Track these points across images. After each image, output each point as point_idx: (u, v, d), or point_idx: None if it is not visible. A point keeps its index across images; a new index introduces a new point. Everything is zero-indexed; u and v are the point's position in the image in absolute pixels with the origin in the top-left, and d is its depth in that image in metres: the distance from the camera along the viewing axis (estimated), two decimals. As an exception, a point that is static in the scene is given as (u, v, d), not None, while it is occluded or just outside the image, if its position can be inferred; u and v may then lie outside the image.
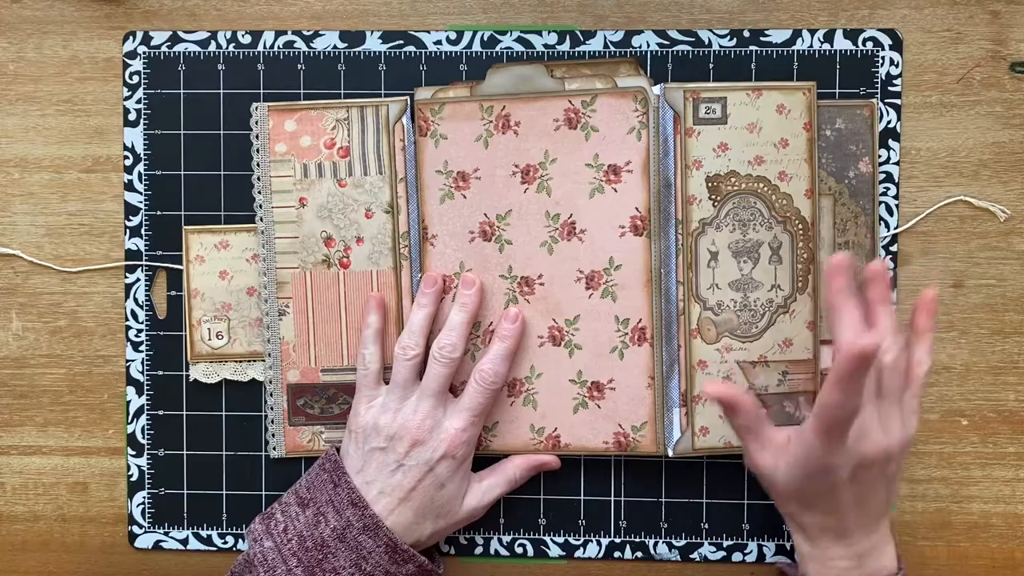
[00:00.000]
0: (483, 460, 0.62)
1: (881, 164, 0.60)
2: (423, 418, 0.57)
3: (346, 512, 0.55)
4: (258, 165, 0.61)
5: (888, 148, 0.60)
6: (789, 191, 0.59)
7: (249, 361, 0.63)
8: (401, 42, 0.62)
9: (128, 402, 0.63)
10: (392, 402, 0.58)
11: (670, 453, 0.60)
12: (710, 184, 0.59)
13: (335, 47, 0.62)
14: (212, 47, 0.62)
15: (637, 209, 0.59)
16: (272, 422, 0.62)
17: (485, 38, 0.61)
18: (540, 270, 0.60)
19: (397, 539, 0.55)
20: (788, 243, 0.59)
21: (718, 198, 0.59)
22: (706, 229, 0.59)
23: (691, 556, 0.62)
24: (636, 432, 0.60)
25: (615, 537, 0.62)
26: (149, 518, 0.63)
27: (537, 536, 0.63)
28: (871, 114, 0.60)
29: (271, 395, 0.62)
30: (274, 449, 0.62)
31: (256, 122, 0.61)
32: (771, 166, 0.59)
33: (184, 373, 0.63)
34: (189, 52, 0.62)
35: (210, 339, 0.62)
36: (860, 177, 0.60)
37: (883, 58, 0.60)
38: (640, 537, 0.62)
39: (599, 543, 0.63)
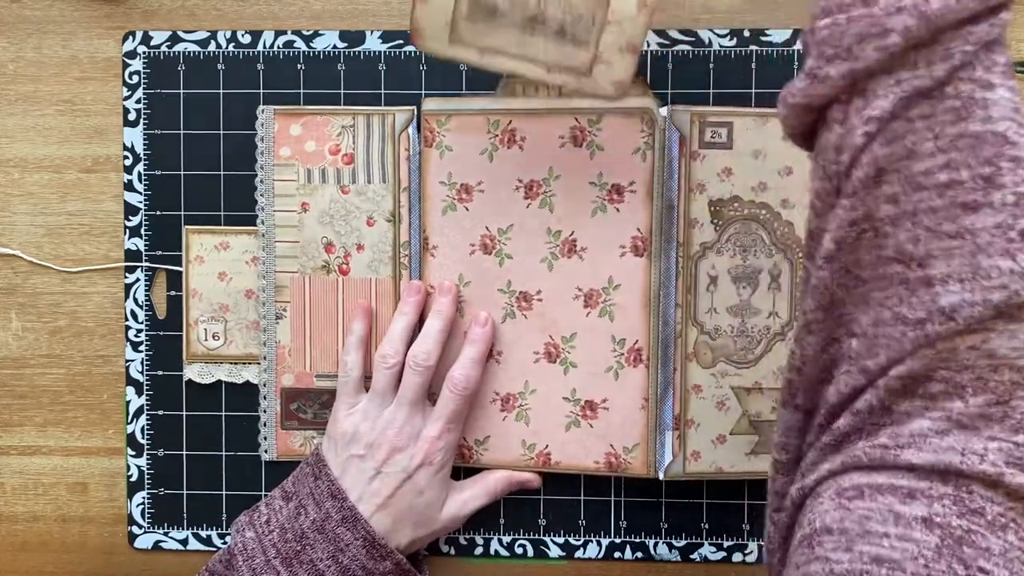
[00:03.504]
0: (474, 472, 0.62)
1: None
2: (400, 426, 0.57)
3: (325, 504, 0.55)
4: (261, 168, 0.61)
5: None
6: (791, 219, 0.59)
7: (244, 363, 0.63)
8: (401, 42, 0.61)
9: (128, 402, 0.63)
10: (372, 410, 0.58)
11: (661, 476, 0.60)
12: (713, 208, 0.59)
13: (335, 47, 0.62)
14: (212, 47, 0.62)
15: (639, 230, 0.58)
16: (265, 424, 0.62)
17: (485, 38, 0.61)
18: (539, 286, 0.60)
19: (375, 533, 0.55)
20: (788, 271, 0.59)
21: (720, 222, 0.59)
22: (707, 253, 0.59)
23: (691, 556, 0.62)
24: (627, 453, 0.60)
25: (615, 537, 0.62)
26: (149, 518, 0.64)
27: (537, 536, 0.63)
28: None
29: (264, 398, 0.62)
30: (265, 452, 0.62)
31: (261, 124, 0.61)
32: (774, 193, 0.58)
33: (182, 373, 0.63)
34: (189, 52, 0.62)
35: (206, 340, 0.62)
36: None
37: (884, 58, 0.60)
38: (640, 537, 0.62)
39: (599, 543, 0.63)
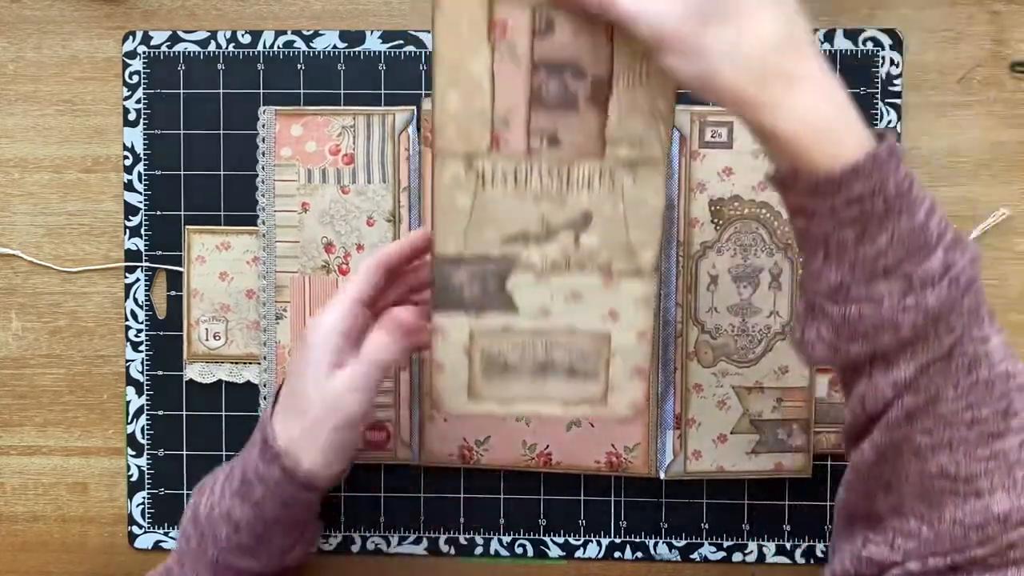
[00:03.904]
0: (474, 472, 0.62)
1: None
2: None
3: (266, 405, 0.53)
4: (262, 168, 0.61)
5: (888, 148, 0.60)
6: None
7: (245, 363, 0.63)
8: (401, 42, 0.61)
9: (128, 402, 0.63)
10: None
11: (662, 475, 0.60)
12: (713, 208, 0.59)
13: (335, 47, 0.62)
14: (212, 47, 0.62)
15: None
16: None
17: (485, 38, 0.61)
18: None
19: (270, 433, 0.50)
20: (788, 270, 0.59)
21: (720, 222, 0.59)
22: (707, 252, 0.59)
23: (691, 556, 0.62)
24: (629, 453, 0.60)
25: (615, 537, 0.62)
26: (149, 518, 0.63)
27: (537, 536, 0.63)
28: None
29: (264, 398, 0.62)
30: (270, 450, 0.63)
31: (263, 125, 0.61)
32: (774, 193, 0.58)
33: (183, 373, 0.63)
34: (189, 52, 0.62)
35: (207, 339, 0.62)
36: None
37: (883, 58, 0.60)
38: (640, 537, 0.62)
39: (599, 543, 0.63)
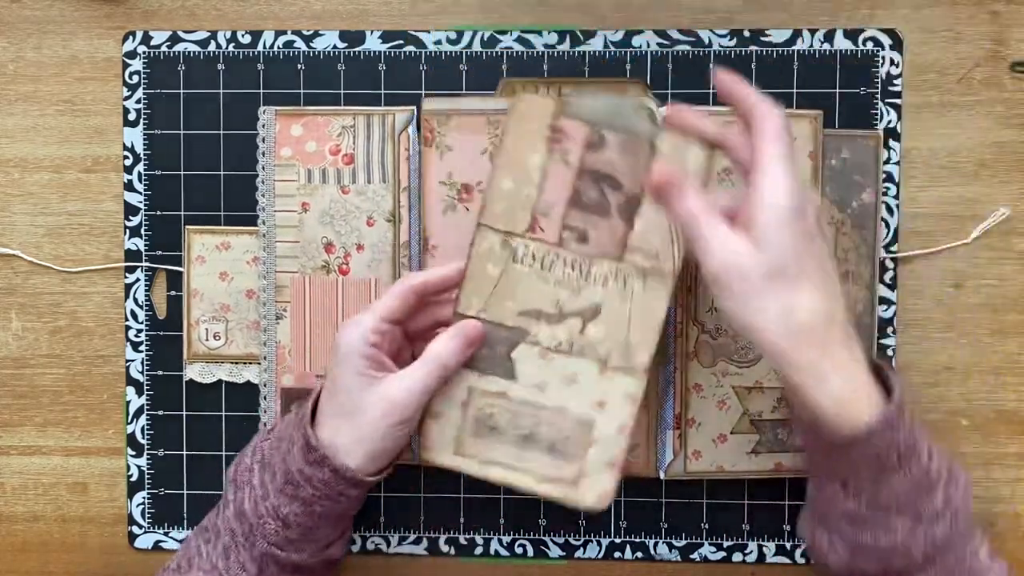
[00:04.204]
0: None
1: (884, 163, 0.60)
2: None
3: (304, 406, 0.54)
4: (263, 168, 0.61)
5: (888, 148, 0.60)
6: None
7: (245, 363, 0.63)
8: (401, 42, 0.61)
9: (128, 402, 0.63)
10: None
11: (662, 475, 0.60)
12: None
13: (335, 47, 0.62)
14: (212, 47, 0.62)
15: None
16: (265, 424, 0.62)
17: (485, 38, 0.61)
18: None
19: (310, 434, 0.51)
20: None
21: None
22: None
23: (691, 556, 0.62)
24: (629, 453, 0.60)
25: (615, 537, 0.62)
26: (149, 518, 0.64)
27: (537, 536, 0.63)
28: (876, 145, 0.60)
29: (265, 398, 0.62)
30: (268, 451, 0.62)
31: (263, 125, 0.61)
32: None
33: (183, 373, 0.63)
34: (189, 52, 0.62)
35: (207, 339, 0.62)
36: (863, 207, 0.59)
37: (883, 58, 0.60)
38: (640, 537, 0.62)
39: (599, 543, 0.63)
